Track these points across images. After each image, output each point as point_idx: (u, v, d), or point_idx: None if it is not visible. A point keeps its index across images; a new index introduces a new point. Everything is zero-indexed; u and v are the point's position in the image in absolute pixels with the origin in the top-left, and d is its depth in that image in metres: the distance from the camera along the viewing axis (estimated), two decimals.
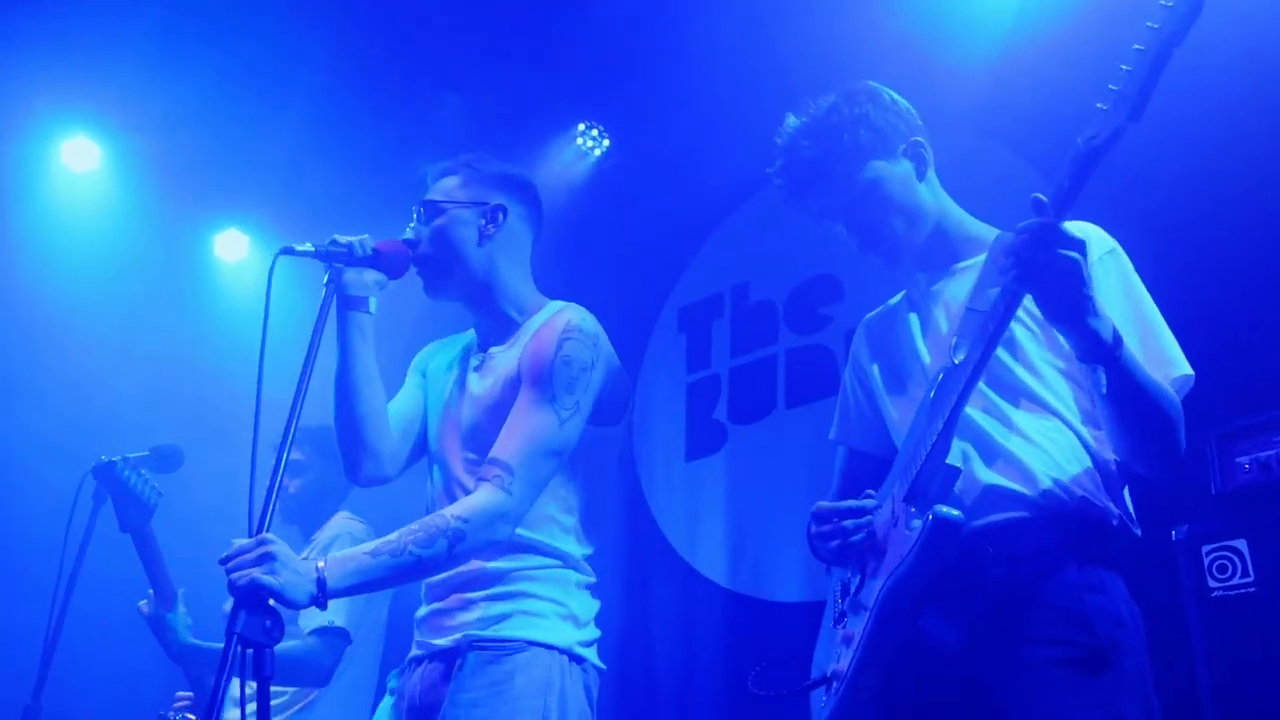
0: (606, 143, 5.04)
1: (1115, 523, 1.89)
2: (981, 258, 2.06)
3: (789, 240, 4.37)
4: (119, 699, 4.24)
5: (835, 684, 1.96)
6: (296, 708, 3.39)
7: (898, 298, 2.29)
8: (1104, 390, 1.78)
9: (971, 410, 1.93)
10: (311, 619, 3.24)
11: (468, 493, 2.20)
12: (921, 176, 2.13)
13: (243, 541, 1.86)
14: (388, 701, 2.32)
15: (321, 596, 1.91)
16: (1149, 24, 1.59)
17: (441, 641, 2.21)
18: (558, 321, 2.30)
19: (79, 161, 4.87)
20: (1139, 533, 1.94)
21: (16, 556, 4.17)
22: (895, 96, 2.19)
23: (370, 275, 2.33)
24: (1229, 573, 2.41)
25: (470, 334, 2.52)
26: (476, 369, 2.40)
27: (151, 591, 3.13)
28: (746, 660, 3.74)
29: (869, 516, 1.98)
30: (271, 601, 1.81)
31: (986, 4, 3.82)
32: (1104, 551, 1.89)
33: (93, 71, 4.44)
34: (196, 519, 3.93)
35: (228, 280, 5.31)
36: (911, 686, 1.89)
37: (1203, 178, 3.14)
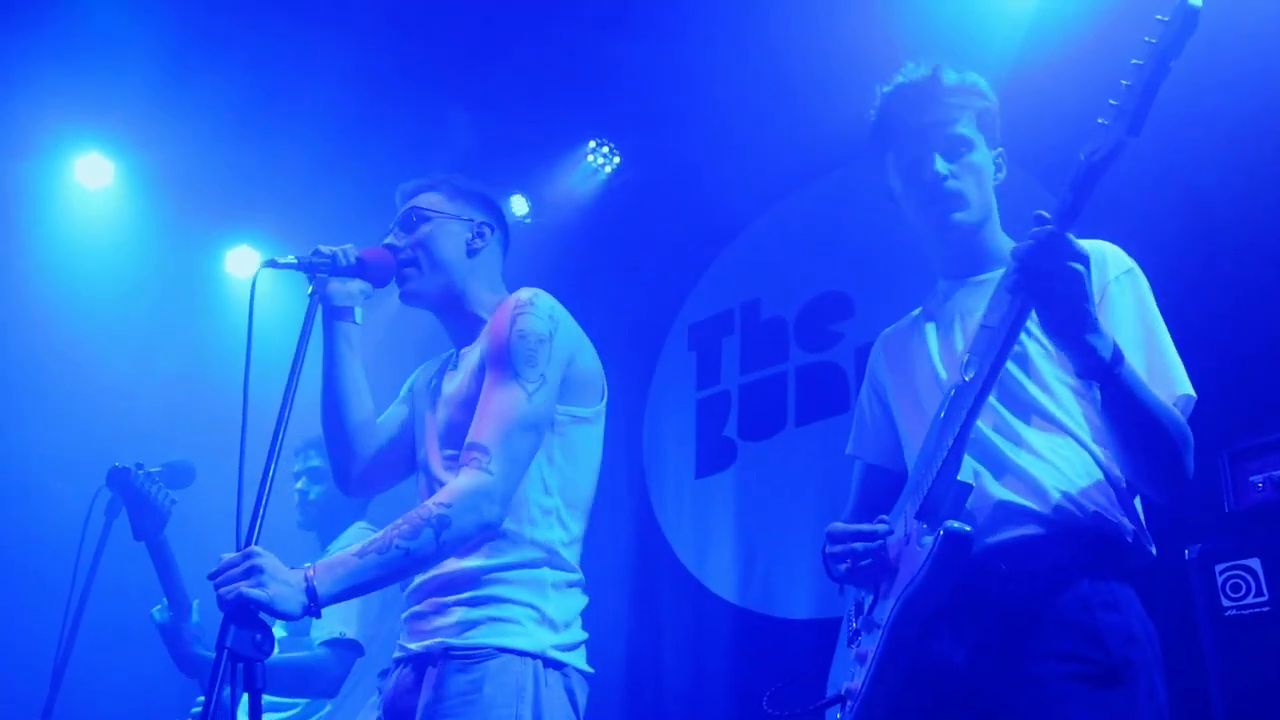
0: (617, 159, 5.04)
1: (1130, 539, 1.88)
2: (1000, 272, 2.05)
3: (800, 257, 4.38)
4: (133, 707, 4.26)
5: (849, 702, 1.95)
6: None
7: (915, 312, 2.28)
8: (1099, 407, 1.78)
9: (983, 426, 1.93)
10: (322, 630, 3.24)
11: None
12: (994, 178, 2.16)
13: (230, 556, 1.85)
14: (373, 700, 2.31)
15: (314, 605, 1.89)
16: (1146, 39, 1.60)
17: (415, 646, 2.19)
18: (509, 302, 2.29)
19: (92, 178, 4.89)
20: (1154, 550, 1.93)
21: (32, 568, 4.17)
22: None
23: (355, 285, 2.34)
24: (1243, 592, 2.40)
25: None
26: (450, 371, 2.41)
27: (165, 600, 3.14)
28: (756, 677, 3.73)
29: (880, 540, 1.96)
30: (262, 615, 1.80)
31: (995, 23, 3.83)
32: (1118, 567, 1.88)
33: (106, 89, 4.46)
34: (210, 532, 3.93)
35: (240, 296, 5.32)
36: (925, 704, 1.88)
37: (1217, 195, 3.14)
